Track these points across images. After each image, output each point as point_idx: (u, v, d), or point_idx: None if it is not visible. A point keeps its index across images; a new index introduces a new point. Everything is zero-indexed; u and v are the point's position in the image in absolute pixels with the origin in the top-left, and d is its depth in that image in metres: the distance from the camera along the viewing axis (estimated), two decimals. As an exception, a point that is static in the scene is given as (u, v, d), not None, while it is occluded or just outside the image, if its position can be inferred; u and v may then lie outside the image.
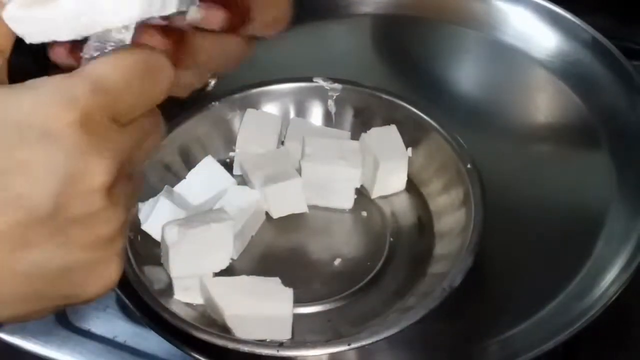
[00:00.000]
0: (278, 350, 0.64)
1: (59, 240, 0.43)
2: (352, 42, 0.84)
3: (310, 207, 0.75)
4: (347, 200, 0.75)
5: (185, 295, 0.68)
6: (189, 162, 0.76)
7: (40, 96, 0.43)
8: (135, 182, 0.47)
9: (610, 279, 0.70)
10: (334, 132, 0.79)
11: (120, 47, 0.47)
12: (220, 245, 0.67)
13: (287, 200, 0.74)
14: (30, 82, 0.45)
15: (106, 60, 0.45)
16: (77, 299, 0.47)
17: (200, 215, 0.70)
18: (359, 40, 0.91)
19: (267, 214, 0.75)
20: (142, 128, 0.46)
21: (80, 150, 0.42)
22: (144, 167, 0.50)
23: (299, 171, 0.75)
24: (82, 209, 0.43)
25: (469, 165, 0.74)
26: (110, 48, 0.47)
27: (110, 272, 0.46)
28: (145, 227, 0.71)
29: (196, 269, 0.67)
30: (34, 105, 0.43)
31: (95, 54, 0.47)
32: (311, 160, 0.74)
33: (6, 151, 0.42)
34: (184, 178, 0.75)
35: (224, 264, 0.68)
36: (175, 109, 0.77)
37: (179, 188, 0.74)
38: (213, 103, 0.78)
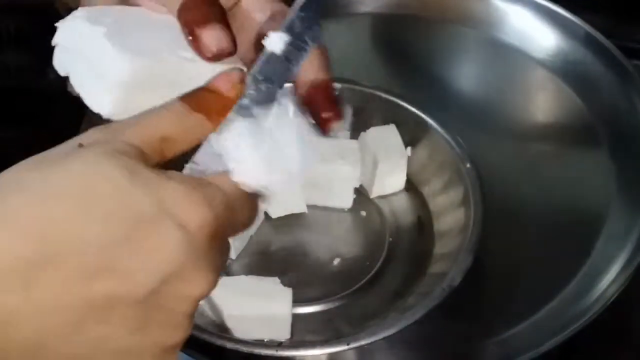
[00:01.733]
0: (277, 350, 0.64)
1: (133, 327, 0.43)
2: (352, 41, 0.84)
3: (309, 206, 0.75)
4: (346, 200, 0.75)
5: (184, 295, 0.68)
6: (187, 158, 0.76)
7: (185, 186, 0.43)
8: None
9: (609, 280, 0.70)
10: None
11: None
12: None
13: (285, 200, 0.74)
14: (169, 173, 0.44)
15: (230, 180, 0.46)
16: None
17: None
18: (358, 40, 0.91)
19: (265, 213, 0.75)
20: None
21: (200, 255, 0.43)
22: None
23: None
24: (172, 307, 0.43)
25: (468, 165, 0.74)
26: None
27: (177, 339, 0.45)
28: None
29: None
30: (176, 192, 0.43)
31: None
32: None
33: (136, 222, 0.42)
34: (183, 177, 0.75)
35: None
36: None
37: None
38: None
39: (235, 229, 0.46)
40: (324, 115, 0.56)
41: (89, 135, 0.44)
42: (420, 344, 0.68)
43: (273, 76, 0.51)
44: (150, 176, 0.42)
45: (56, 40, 0.50)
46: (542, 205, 0.76)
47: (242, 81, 0.49)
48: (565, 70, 0.85)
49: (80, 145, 0.43)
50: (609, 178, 0.78)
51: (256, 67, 0.50)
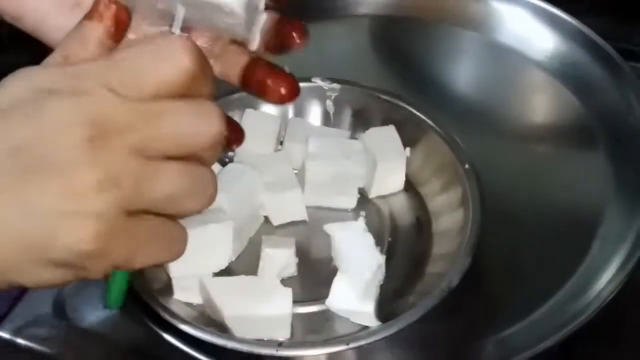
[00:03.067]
0: (277, 350, 0.64)
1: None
2: (351, 42, 0.84)
3: (312, 207, 0.75)
4: (350, 200, 0.76)
5: (185, 295, 0.68)
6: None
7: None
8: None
9: (606, 279, 0.70)
10: (333, 132, 0.79)
11: None
12: (219, 245, 0.68)
13: (287, 209, 0.74)
14: None
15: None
16: (49, 252, 0.45)
17: (199, 215, 0.70)
18: (357, 41, 0.91)
19: (266, 218, 0.75)
20: (164, 166, 0.45)
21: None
22: None
23: (301, 172, 0.75)
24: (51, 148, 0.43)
25: (467, 166, 0.74)
26: None
27: (81, 231, 0.44)
28: None
29: (195, 269, 0.67)
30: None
31: None
32: (316, 160, 0.74)
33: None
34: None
35: (223, 264, 0.68)
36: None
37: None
38: (211, 103, 0.78)
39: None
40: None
41: None
42: (419, 344, 0.68)
43: None
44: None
45: None
46: (540, 206, 0.77)
47: None
48: (563, 72, 0.85)
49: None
50: (606, 179, 0.78)
51: None
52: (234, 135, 0.64)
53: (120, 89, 0.44)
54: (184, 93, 0.45)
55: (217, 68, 0.62)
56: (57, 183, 0.43)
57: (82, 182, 0.43)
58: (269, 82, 0.63)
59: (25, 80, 0.45)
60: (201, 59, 0.46)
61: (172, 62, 0.45)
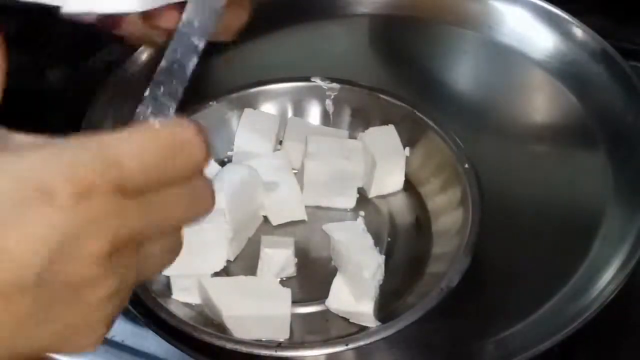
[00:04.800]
0: (276, 351, 0.64)
1: (43, 301, 0.42)
2: (350, 42, 0.84)
3: (311, 207, 0.75)
4: (349, 200, 0.75)
5: (184, 295, 0.68)
6: (187, 162, 0.76)
7: (44, 155, 0.41)
8: (142, 255, 0.45)
9: (606, 280, 0.70)
10: (332, 132, 0.79)
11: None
12: (214, 246, 0.67)
13: (286, 209, 0.74)
14: (39, 141, 0.43)
15: (125, 136, 0.43)
16: (56, 351, 0.46)
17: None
18: (356, 40, 0.91)
19: (265, 218, 0.75)
20: (162, 202, 0.44)
21: (82, 217, 0.41)
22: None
23: (301, 172, 0.75)
24: (71, 274, 0.42)
25: (466, 165, 0.74)
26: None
27: (89, 339, 0.45)
28: None
29: (189, 269, 0.67)
30: (37, 163, 0.41)
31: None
32: (315, 160, 0.74)
33: (7, 207, 0.40)
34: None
35: (218, 266, 0.68)
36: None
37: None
38: (211, 102, 0.78)
39: (145, 176, 0.43)
40: None
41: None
42: (419, 345, 0.68)
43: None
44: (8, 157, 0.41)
45: None
46: (539, 206, 0.77)
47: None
48: (562, 71, 0.85)
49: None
50: (606, 178, 0.78)
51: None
52: None
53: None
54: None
55: None
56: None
57: (101, 294, 0.43)
58: None
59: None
60: (205, 143, 0.45)
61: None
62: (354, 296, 0.67)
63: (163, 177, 0.44)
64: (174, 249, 0.47)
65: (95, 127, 0.77)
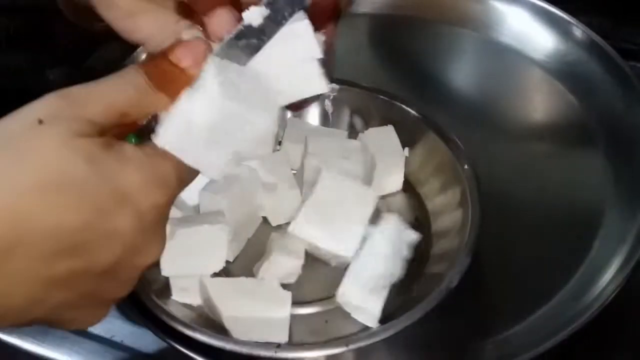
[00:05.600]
0: (276, 352, 0.64)
1: (88, 292, 0.47)
2: (350, 41, 0.84)
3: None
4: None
5: (183, 296, 0.68)
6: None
7: (141, 173, 0.47)
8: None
9: (606, 280, 0.70)
10: (331, 132, 0.79)
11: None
12: (214, 247, 0.67)
13: (285, 209, 0.74)
14: None
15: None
16: (59, 326, 0.50)
17: (197, 216, 0.70)
18: (356, 40, 0.90)
19: (265, 219, 0.75)
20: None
21: (152, 231, 0.48)
22: None
23: (300, 172, 0.75)
24: (125, 276, 0.49)
25: (465, 166, 0.74)
26: None
27: (92, 317, 0.50)
28: None
29: (188, 269, 0.67)
30: (133, 178, 0.46)
31: None
32: (314, 160, 0.74)
33: (96, 210, 0.45)
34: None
35: (217, 267, 0.68)
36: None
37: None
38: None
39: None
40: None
41: (48, 106, 0.46)
42: (419, 345, 0.68)
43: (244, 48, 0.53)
44: (109, 163, 0.45)
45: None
46: (539, 206, 0.77)
47: (205, 58, 0.50)
48: (562, 72, 0.85)
49: (40, 122, 0.45)
50: (605, 178, 0.78)
51: (226, 40, 0.52)
52: None
53: None
54: None
55: None
56: None
57: None
58: None
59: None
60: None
61: None
62: (364, 292, 0.67)
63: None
64: None
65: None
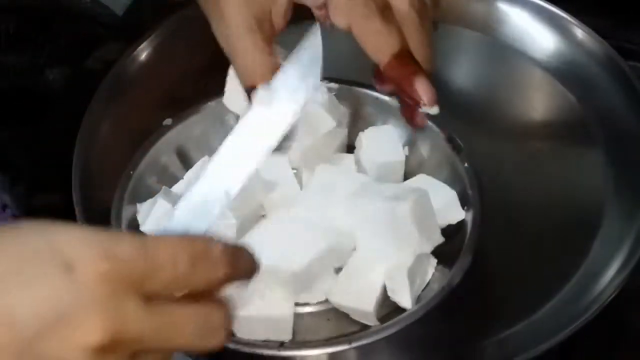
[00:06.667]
0: (279, 350, 0.64)
1: None
2: (349, 41, 0.83)
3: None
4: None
5: (185, 295, 0.68)
6: (187, 163, 0.76)
7: (84, 233, 0.42)
8: None
9: (606, 280, 0.70)
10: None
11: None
12: None
13: (285, 208, 0.74)
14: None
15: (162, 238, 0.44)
16: None
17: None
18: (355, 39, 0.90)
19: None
20: (172, 315, 0.43)
21: (91, 299, 0.41)
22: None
23: (300, 172, 0.75)
24: (55, 353, 0.41)
25: (465, 165, 0.74)
26: None
27: None
28: (143, 228, 0.70)
29: None
30: (72, 237, 0.42)
31: None
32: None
33: (23, 260, 0.41)
34: (182, 179, 0.75)
35: None
36: (171, 110, 0.77)
37: (177, 189, 0.74)
38: (209, 103, 0.78)
39: (168, 279, 0.43)
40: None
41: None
42: (420, 344, 0.68)
43: None
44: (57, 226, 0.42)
45: None
46: (539, 206, 0.77)
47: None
48: (562, 71, 0.85)
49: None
50: (606, 178, 0.78)
51: None
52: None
53: (153, 292, 0.43)
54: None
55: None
56: None
57: None
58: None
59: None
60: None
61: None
62: (357, 293, 0.67)
63: (182, 284, 0.44)
64: None
65: (94, 125, 0.77)
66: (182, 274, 0.43)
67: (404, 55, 0.70)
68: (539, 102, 0.87)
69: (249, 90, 0.69)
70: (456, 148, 0.75)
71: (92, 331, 0.40)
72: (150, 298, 0.42)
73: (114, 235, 0.42)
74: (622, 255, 0.71)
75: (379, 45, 0.70)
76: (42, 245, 0.41)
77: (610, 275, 0.70)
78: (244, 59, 0.70)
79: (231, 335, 0.46)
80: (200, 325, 0.44)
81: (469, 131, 0.79)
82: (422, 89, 0.70)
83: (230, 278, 0.45)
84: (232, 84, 0.74)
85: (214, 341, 0.45)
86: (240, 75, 0.71)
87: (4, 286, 0.40)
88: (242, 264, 0.46)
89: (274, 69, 0.64)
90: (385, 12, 0.70)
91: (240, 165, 0.52)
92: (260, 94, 0.55)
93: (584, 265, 0.72)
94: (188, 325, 0.44)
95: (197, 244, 0.44)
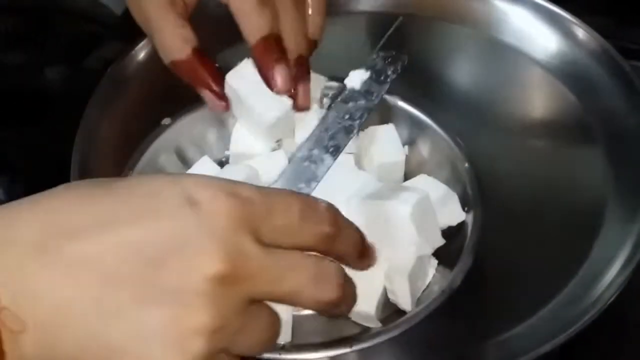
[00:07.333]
0: (280, 353, 0.64)
1: (140, 299, 0.43)
2: (349, 40, 0.84)
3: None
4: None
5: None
6: (186, 162, 0.76)
7: (208, 177, 0.46)
8: None
9: (607, 281, 0.70)
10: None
11: None
12: None
13: None
14: None
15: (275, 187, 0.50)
16: None
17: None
18: (355, 38, 0.90)
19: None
20: (289, 258, 0.46)
21: (213, 232, 0.43)
22: None
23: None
24: (182, 281, 0.43)
25: (466, 165, 0.74)
26: None
27: None
28: None
29: None
30: (197, 179, 0.45)
31: None
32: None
33: (152, 198, 0.44)
34: (182, 178, 0.74)
35: None
36: (170, 109, 0.77)
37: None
38: (209, 102, 0.77)
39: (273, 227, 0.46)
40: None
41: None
42: (422, 346, 0.68)
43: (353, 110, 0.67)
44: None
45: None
46: (540, 206, 0.77)
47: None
48: (563, 71, 0.85)
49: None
50: (606, 178, 0.78)
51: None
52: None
53: (267, 237, 0.45)
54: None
55: None
56: (170, 312, 0.43)
57: (196, 323, 0.43)
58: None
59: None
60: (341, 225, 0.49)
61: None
62: (358, 295, 0.66)
63: (292, 232, 0.47)
64: (273, 329, 0.48)
65: (93, 124, 0.77)
66: (293, 223, 0.46)
67: (271, 41, 0.70)
68: (539, 101, 0.87)
69: (172, 66, 0.72)
70: (457, 147, 0.75)
71: (213, 260, 0.43)
72: (263, 243, 0.45)
73: (235, 181, 0.46)
74: (623, 256, 0.71)
75: (250, 25, 0.70)
76: (168, 185, 0.44)
77: (611, 275, 0.70)
78: (163, 35, 0.71)
79: (345, 295, 0.48)
80: (316, 271, 0.47)
81: (470, 130, 0.79)
82: (278, 76, 0.70)
83: (335, 240, 0.48)
84: (238, 134, 0.75)
85: (327, 292, 0.47)
86: (161, 52, 0.72)
87: (133, 219, 0.43)
88: (345, 230, 0.49)
89: (192, 41, 0.70)
90: None
91: None
92: None
93: (585, 265, 0.72)
94: (305, 268, 0.46)
95: (306, 198, 0.48)
